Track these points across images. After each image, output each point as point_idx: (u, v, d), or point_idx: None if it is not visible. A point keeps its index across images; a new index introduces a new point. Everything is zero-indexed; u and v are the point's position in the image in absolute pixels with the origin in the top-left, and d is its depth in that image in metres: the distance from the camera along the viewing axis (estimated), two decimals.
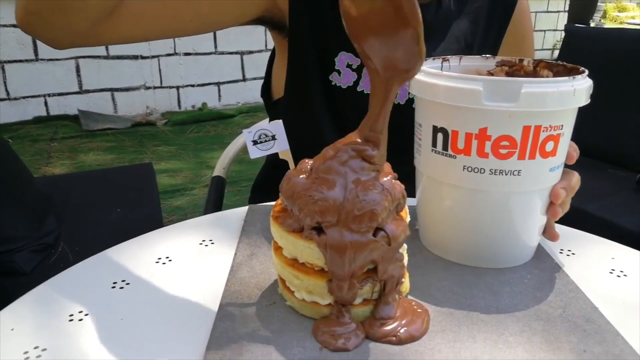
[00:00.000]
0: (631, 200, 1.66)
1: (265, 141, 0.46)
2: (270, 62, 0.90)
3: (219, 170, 1.05)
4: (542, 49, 6.19)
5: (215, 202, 0.98)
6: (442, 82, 0.48)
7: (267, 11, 0.77)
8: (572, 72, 0.53)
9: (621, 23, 11.64)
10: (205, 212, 0.90)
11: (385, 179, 0.42)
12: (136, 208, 1.58)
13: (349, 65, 0.78)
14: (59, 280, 0.51)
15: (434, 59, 0.58)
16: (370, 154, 0.42)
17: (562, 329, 0.43)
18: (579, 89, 0.46)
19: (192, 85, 3.96)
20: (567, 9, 6.24)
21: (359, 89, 0.79)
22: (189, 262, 0.54)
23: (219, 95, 4.09)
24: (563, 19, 6.24)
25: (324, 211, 0.40)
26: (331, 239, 0.40)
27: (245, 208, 0.67)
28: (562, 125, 0.48)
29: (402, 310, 0.43)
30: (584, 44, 2.19)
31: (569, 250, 0.58)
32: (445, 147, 0.50)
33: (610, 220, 1.53)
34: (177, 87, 3.92)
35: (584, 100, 0.48)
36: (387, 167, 0.44)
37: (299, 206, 0.41)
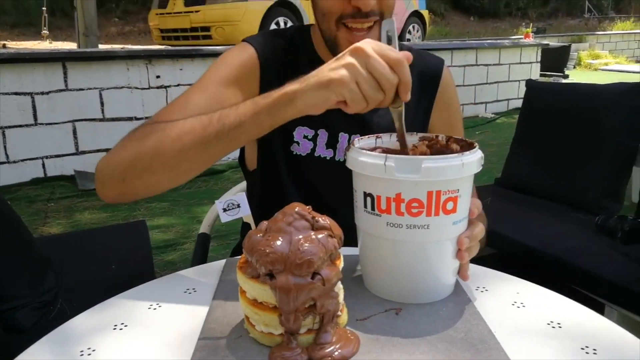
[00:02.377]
0: (590, 242, 1.77)
1: (232, 208, 0.60)
2: None
3: (204, 227, 1.19)
4: (518, 98, 6.51)
5: (200, 257, 1.11)
6: (367, 159, 0.63)
7: None
8: (471, 146, 0.68)
9: (595, 69, 12.22)
10: (192, 265, 1.03)
11: (320, 235, 0.56)
12: (130, 264, 1.69)
13: (305, 137, 0.94)
14: (71, 325, 0.63)
15: (368, 137, 0.74)
16: (311, 219, 0.57)
17: (460, 348, 0.56)
18: (467, 162, 0.61)
19: None
20: (539, 59, 6.63)
21: (315, 154, 0.95)
22: (175, 307, 0.67)
23: None
24: (536, 69, 6.61)
25: (273, 261, 0.54)
26: (279, 282, 0.53)
27: (223, 261, 0.80)
28: (458, 189, 0.62)
29: (338, 337, 0.56)
30: (543, 97, 2.39)
31: (483, 287, 0.71)
32: (373, 208, 0.64)
33: (568, 261, 1.65)
34: None
35: (474, 169, 0.63)
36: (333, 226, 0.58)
37: (256, 258, 0.55)
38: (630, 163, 2.04)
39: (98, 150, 3.78)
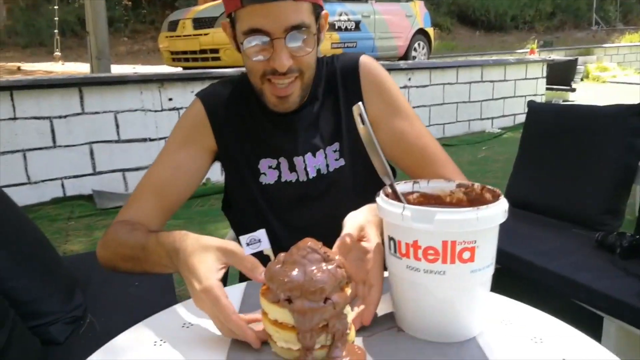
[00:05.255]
0: (589, 258, 1.83)
1: (254, 243, 0.70)
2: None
3: None
4: (524, 113, 6.57)
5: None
6: (390, 208, 0.67)
7: (214, 158, 1.09)
8: (497, 197, 0.69)
9: (603, 82, 12.27)
10: None
11: (330, 266, 0.65)
12: (152, 281, 1.79)
13: (270, 167, 1.04)
14: (118, 341, 0.73)
15: (405, 182, 0.77)
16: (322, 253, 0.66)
17: None
18: (482, 216, 0.63)
19: None
20: (544, 75, 6.70)
21: (282, 180, 1.05)
22: (207, 325, 0.77)
23: (222, 170, 4.39)
24: (542, 84, 6.69)
25: (291, 289, 0.63)
26: (296, 307, 0.63)
27: (244, 284, 0.90)
28: (475, 240, 0.64)
29: (347, 351, 0.66)
30: (544, 118, 2.47)
31: (509, 321, 0.76)
32: (395, 251, 0.69)
33: (568, 276, 1.72)
34: None
35: (495, 222, 0.65)
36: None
37: (276, 285, 0.64)
38: (629, 181, 2.10)
39: (114, 171, 3.92)
